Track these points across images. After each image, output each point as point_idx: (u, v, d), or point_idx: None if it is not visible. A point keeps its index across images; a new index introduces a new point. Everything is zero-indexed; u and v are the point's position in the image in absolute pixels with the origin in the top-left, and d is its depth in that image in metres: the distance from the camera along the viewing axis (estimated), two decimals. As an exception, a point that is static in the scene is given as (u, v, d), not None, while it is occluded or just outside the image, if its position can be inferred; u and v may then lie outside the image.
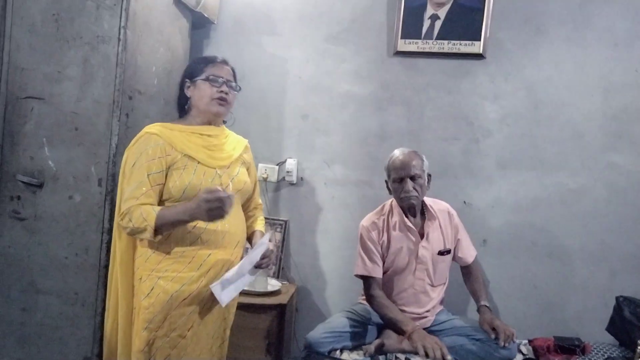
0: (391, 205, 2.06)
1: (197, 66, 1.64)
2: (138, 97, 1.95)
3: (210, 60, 1.64)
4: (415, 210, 2.02)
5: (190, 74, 1.63)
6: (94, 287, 1.82)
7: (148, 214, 1.43)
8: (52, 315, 1.85)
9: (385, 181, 2.06)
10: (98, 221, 1.82)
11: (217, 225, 1.55)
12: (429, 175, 2.02)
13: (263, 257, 1.61)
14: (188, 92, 1.64)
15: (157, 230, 1.44)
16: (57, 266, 1.85)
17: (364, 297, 2.12)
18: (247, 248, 1.70)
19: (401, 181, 1.95)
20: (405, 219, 2.00)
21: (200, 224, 1.52)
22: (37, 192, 1.85)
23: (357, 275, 2.03)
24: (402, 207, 2.01)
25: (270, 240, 1.65)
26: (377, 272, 1.99)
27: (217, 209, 1.39)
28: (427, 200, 2.08)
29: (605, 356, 1.93)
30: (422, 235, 2.02)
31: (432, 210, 2.04)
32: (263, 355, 2.08)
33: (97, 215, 1.82)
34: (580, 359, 1.89)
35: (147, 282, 1.52)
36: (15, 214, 1.87)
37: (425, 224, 2.02)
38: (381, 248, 2.01)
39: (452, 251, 2.08)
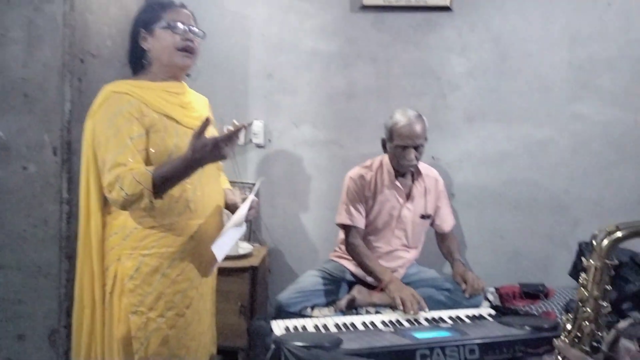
0: (381, 163, 2.04)
1: (152, 12, 1.41)
2: (91, 60, 1.85)
3: (168, 5, 1.42)
4: (407, 172, 2.01)
5: (146, 22, 1.41)
6: (56, 258, 1.77)
7: (141, 176, 1.25)
8: (15, 290, 1.80)
9: (382, 139, 2.01)
10: (56, 191, 1.75)
11: (203, 192, 1.43)
12: (426, 139, 1.98)
13: (250, 209, 1.52)
14: (145, 44, 1.42)
15: (156, 193, 1.27)
16: (15, 239, 1.78)
17: (335, 253, 2.13)
18: (227, 214, 1.64)
19: (404, 149, 1.92)
20: (395, 180, 2.00)
21: (188, 192, 1.37)
22: (-12, 164, 1.77)
23: (339, 224, 2.02)
24: (395, 169, 1.99)
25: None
26: (360, 222, 1.99)
27: (215, 149, 1.24)
28: (420, 164, 2.06)
29: (567, 299, 2.00)
30: (407, 197, 2.02)
31: (421, 174, 2.04)
32: (236, 317, 2.09)
33: (54, 185, 1.75)
34: (544, 303, 1.97)
35: (129, 263, 1.35)
36: (-33, 187, 1.79)
37: (413, 186, 2.03)
38: (365, 203, 2.01)
39: (431, 217, 2.09)
